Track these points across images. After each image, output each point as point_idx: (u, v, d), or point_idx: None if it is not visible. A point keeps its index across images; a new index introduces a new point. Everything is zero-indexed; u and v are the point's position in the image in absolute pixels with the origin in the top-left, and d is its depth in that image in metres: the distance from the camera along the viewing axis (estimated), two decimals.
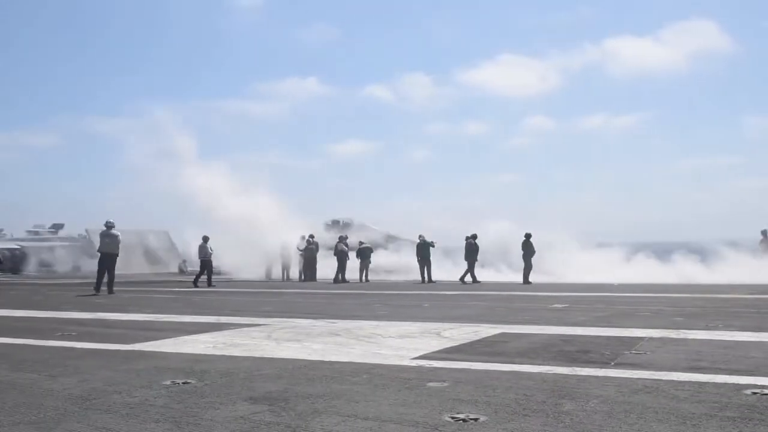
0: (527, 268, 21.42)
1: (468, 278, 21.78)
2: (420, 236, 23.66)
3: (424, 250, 23.19)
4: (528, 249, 21.57)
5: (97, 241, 18.76)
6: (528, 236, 21.81)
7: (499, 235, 25.71)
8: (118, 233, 17.47)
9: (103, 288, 16.67)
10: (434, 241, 23.70)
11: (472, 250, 22.12)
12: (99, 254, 17.36)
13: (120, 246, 17.45)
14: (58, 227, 52.44)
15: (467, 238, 22.44)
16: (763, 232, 24.36)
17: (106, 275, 16.94)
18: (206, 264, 21.40)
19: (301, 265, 25.94)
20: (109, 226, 17.38)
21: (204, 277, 21.10)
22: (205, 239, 21.91)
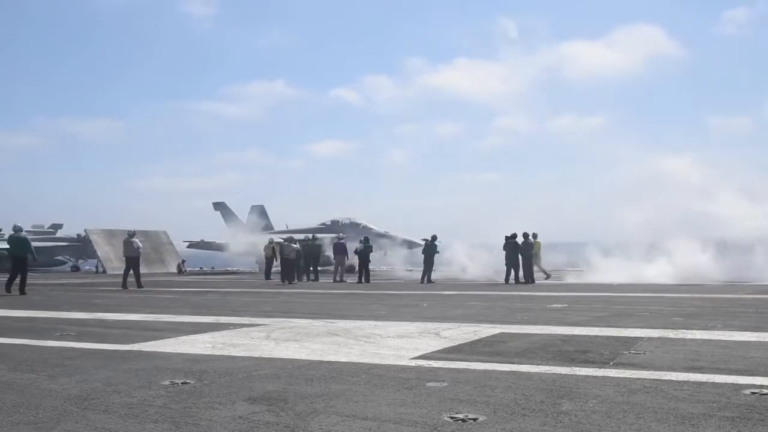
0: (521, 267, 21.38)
1: (512, 278, 21.38)
2: (424, 239, 23.92)
3: (430, 250, 23.29)
4: (525, 249, 21.52)
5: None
6: (525, 236, 21.79)
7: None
8: (135, 240, 19.66)
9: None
10: (424, 240, 23.85)
11: (513, 250, 21.69)
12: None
13: (140, 250, 19.89)
14: (57, 227, 52.50)
15: (506, 238, 22.01)
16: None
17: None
18: (287, 262, 22.58)
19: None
20: (130, 234, 19.89)
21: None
22: (289, 240, 23.17)
